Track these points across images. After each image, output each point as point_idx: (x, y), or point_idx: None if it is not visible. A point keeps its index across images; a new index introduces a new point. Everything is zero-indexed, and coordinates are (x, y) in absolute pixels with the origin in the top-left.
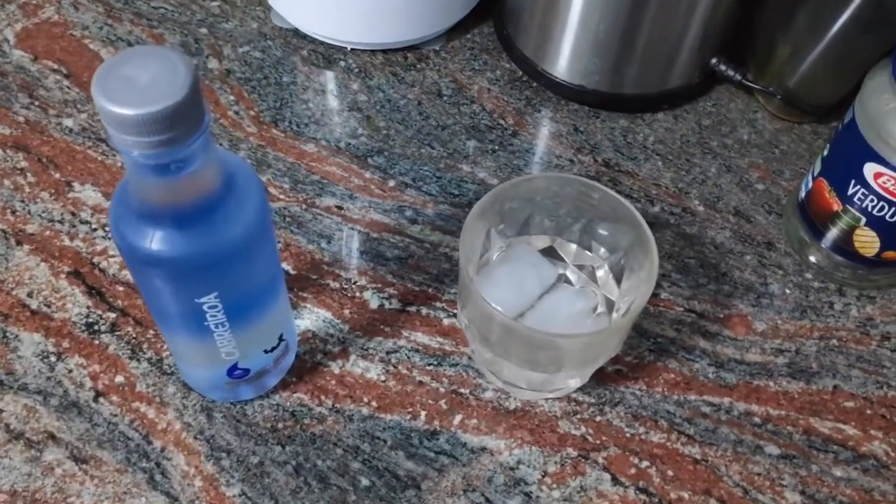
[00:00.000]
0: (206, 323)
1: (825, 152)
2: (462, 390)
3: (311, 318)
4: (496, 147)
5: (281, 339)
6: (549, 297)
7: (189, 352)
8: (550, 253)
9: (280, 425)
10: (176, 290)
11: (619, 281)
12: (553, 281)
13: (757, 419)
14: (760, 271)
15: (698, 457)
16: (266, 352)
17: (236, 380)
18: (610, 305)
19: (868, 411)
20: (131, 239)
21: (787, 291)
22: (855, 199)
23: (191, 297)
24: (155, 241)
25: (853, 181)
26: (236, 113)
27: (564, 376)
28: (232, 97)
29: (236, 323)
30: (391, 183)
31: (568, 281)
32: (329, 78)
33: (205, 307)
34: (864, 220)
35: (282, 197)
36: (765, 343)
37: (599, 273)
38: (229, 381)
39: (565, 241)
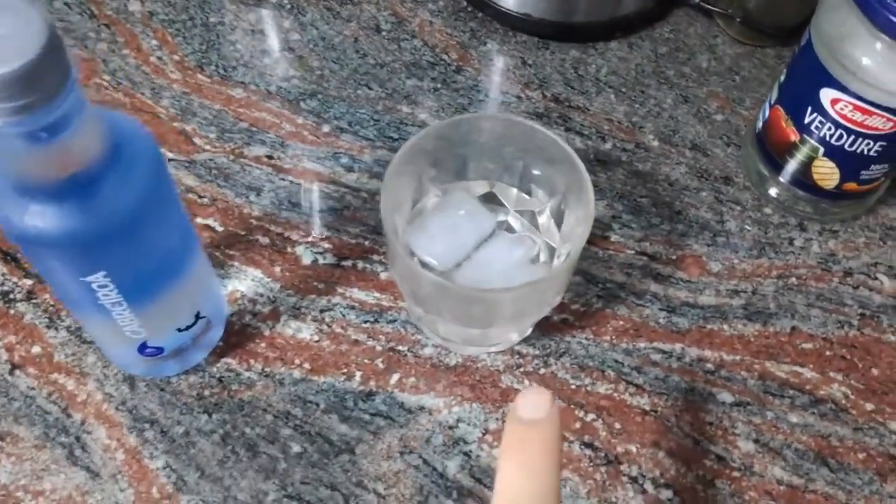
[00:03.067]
0: (99, 302)
1: (781, 78)
2: (400, 347)
3: (240, 277)
4: (439, 85)
5: (198, 316)
6: (487, 247)
7: (93, 328)
8: (492, 199)
9: (206, 392)
10: (59, 267)
11: (559, 226)
12: (491, 229)
13: (710, 365)
14: (717, 208)
15: (647, 408)
16: (180, 330)
17: (151, 357)
18: (552, 252)
19: (827, 353)
20: (7, 211)
21: (746, 228)
22: (812, 127)
23: (75, 276)
24: (28, 215)
25: (810, 109)
26: (159, 58)
27: (501, 331)
28: (155, 41)
29: (135, 302)
30: (325, 128)
31: (510, 228)
32: (259, 16)
33: (94, 286)
34: (822, 150)
35: (207, 147)
36: (720, 284)
37: (541, 219)
38: (145, 359)
39: (506, 186)
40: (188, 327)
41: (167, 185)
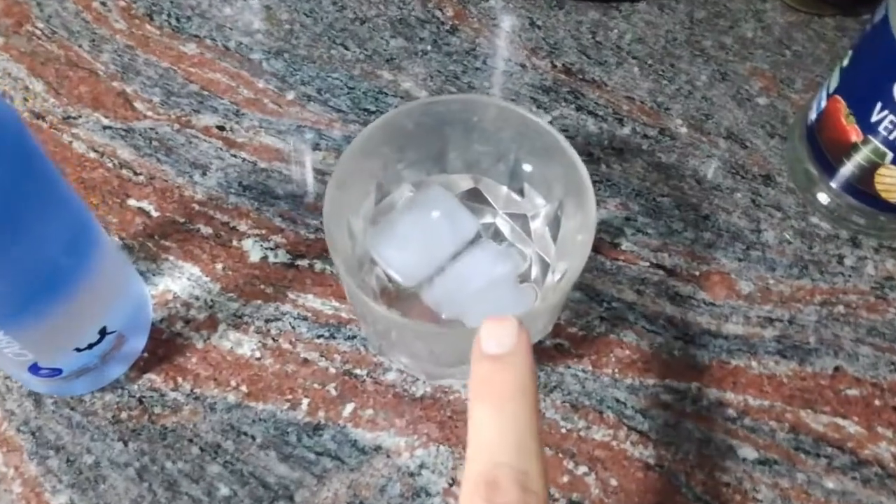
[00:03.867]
0: None
1: (845, 61)
2: (358, 371)
3: (174, 274)
4: (428, 47)
5: (104, 332)
6: (466, 258)
7: None
8: (476, 197)
9: (124, 415)
10: None
11: (555, 237)
12: (472, 236)
13: (731, 412)
14: (753, 214)
15: (651, 461)
16: (80, 350)
17: (49, 378)
18: (546, 268)
19: (877, 402)
20: None
21: (786, 241)
22: (880, 127)
23: None
24: None
25: (880, 104)
26: (103, 4)
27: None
28: None
29: (8, 323)
30: (290, 95)
31: (498, 233)
32: None
33: None
34: (890, 155)
35: (149, 114)
36: (750, 310)
37: (534, 224)
38: (43, 379)
39: (494, 183)
40: (91, 346)
41: (41, 172)
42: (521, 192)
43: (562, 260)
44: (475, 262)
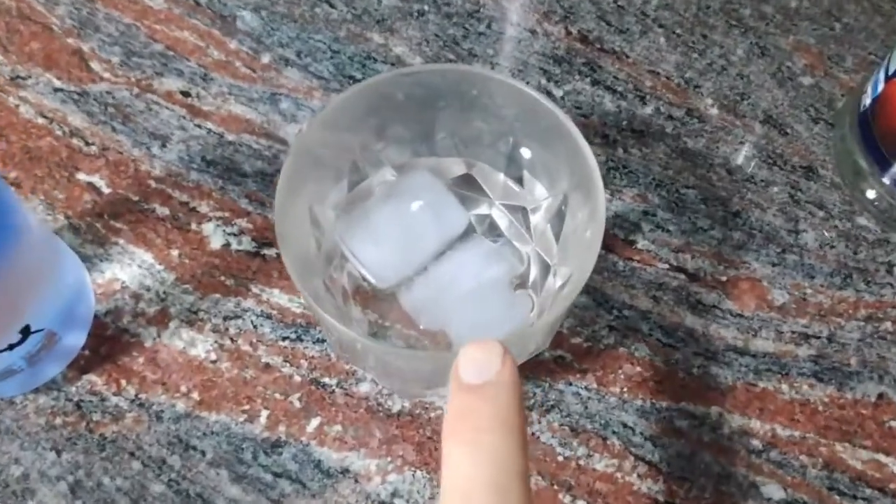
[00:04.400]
0: None
1: None
2: (326, 380)
3: (123, 261)
4: (426, 7)
5: (28, 331)
6: (452, 257)
7: None
8: (468, 185)
9: (58, 421)
10: None
11: (557, 234)
12: (460, 231)
13: (756, 442)
14: (791, 211)
15: (661, 497)
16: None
17: None
18: (546, 269)
19: None
20: None
21: (828, 244)
22: None
23: None
24: None
25: None
26: None
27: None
28: None
29: None
30: (265, 58)
31: (494, 226)
32: None
33: None
34: None
35: (107, 76)
36: (783, 323)
37: (534, 218)
38: None
39: (489, 169)
40: (11, 346)
41: None
42: (519, 181)
43: (565, 262)
44: (463, 262)
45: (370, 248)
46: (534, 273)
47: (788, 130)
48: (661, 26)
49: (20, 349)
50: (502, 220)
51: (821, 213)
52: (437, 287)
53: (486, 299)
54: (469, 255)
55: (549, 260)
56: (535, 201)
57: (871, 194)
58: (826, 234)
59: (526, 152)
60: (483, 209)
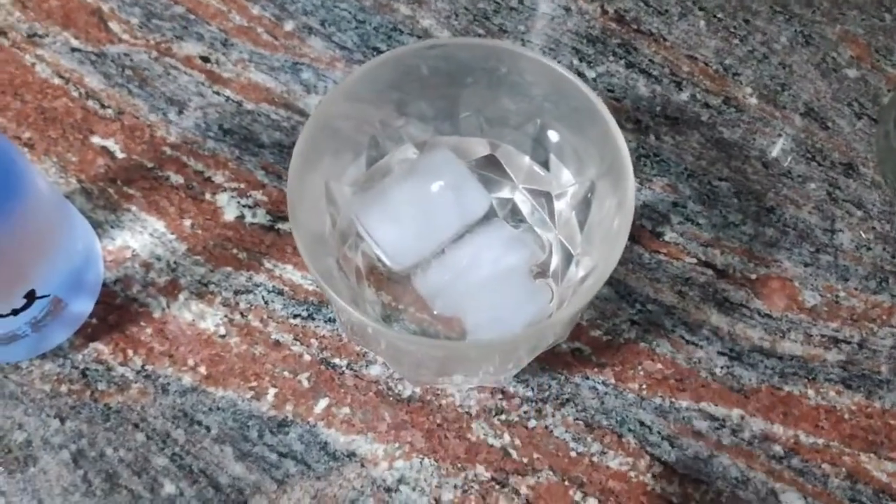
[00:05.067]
0: None
1: None
2: (336, 361)
3: (134, 228)
4: None
5: (33, 296)
6: (472, 241)
7: None
8: (491, 166)
9: (63, 389)
10: None
11: (582, 223)
12: (481, 213)
13: (778, 448)
14: (828, 210)
15: (675, 500)
16: (2, 316)
17: None
18: (568, 259)
19: None
20: None
21: (865, 246)
22: None
23: None
24: None
25: None
26: None
27: (465, 380)
28: None
29: None
30: (288, 26)
31: (517, 211)
32: None
33: None
34: None
35: (126, 37)
36: (813, 326)
37: (559, 205)
38: None
39: (514, 151)
40: (16, 311)
41: None
42: (545, 165)
43: (588, 252)
44: (482, 247)
45: (387, 228)
46: (555, 262)
47: (830, 124)
48: (701, 9)
49: (25, 314)
50: (525, 205)
51: (859, 213)
52: (454, 271)
53: (505, 287)
54: (489, 239)
55: (573, 249)
56: (560, 187)
57: None
58: (863, 235)
59: (554, 135)
60: (506, 193)
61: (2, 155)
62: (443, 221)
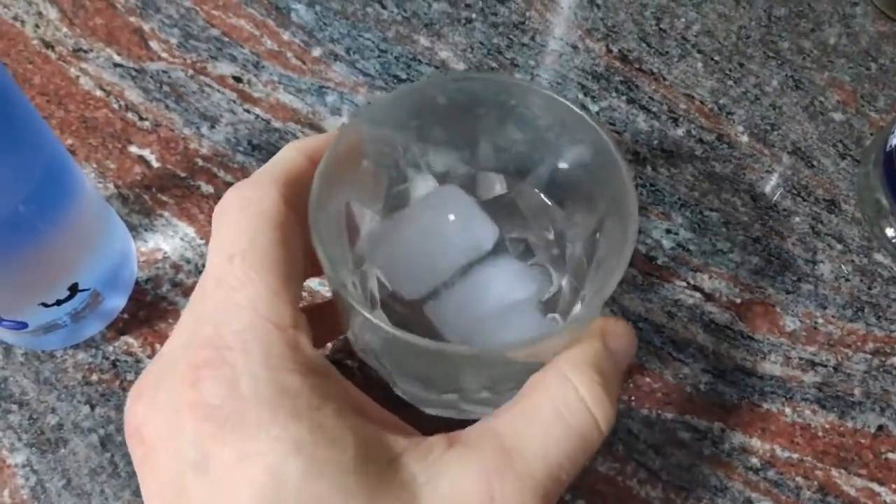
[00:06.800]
0: None
1: None
2: (349, 362)
3: (167, 232)
4: (474, 15)
5: (76, 289)
6: (480, 272)
7: None
8: (508, 206)
9: (95, 377)
10: None
11: (590, 260)
12: (489, 246)
13: (755, 460)
14: (810, 242)
15: None
16: (47, 305)
17: (15, 330)
18: (576, 294)
19: None
20: None
21: (844, 277)
22: None
23: None
24: None
25: None
26: None
27: (473, 403)
28: None
29: None
30: (316, 52)
31: (529, 250)
32: None
33: None
34: None
35: (164, 55)
36: (793, 349)
37: (570, 244)
38: (11, 331)
39: (529, 190)
40: (59, 302)
41: (9, 114)
42: (560, 205)
43: (597, 289)
44: (489, 281)
45: (400, 254)
46: (563, 297)
47: (815, 163)
48: (699, 52)
49: (67, 305)
50: (538, 243)
51: (839, 247)
52: (463, 303)
53: (512, 321)
54: (496, 273)
55: (580, 285)
56: (572, 225)
57: (890, 232)
58: (843, 267)
59: (567, 173)
60: (518, 232)
61: (61, 158)
62: (451, 255)
